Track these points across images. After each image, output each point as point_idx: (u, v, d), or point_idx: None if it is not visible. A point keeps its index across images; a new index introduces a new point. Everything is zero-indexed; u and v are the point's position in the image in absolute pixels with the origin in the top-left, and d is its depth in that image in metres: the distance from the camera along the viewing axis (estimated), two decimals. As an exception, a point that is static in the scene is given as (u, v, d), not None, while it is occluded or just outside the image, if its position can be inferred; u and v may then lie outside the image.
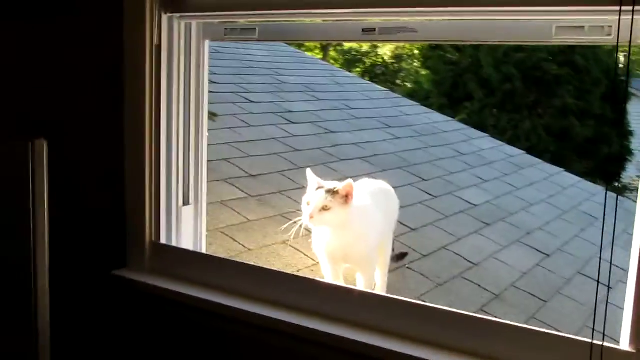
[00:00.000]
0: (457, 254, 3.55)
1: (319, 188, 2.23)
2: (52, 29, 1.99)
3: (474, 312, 3.00)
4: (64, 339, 2.00)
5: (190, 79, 1.87)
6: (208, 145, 3.86)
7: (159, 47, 1.78)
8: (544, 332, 1.40)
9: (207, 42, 1.87)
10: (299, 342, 1.59)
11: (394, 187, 4.16)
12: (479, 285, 3.27)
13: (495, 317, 3.00)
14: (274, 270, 1.86)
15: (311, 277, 1.85)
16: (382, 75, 19.20)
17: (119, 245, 1.92)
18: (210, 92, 4.94)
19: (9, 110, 2.14)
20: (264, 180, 3.65)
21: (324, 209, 2.12)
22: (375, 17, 1.53)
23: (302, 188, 3.70)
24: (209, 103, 4.63)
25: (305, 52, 8.11)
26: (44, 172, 1.43)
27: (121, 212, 1.89)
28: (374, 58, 20.23)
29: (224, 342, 1.77)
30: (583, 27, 1.32)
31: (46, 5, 1.94)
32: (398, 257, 3.03)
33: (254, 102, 5.06)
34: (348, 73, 7.76)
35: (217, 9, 1.75)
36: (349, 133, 5.11)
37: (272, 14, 1.66)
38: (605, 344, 1.26)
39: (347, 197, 2.16)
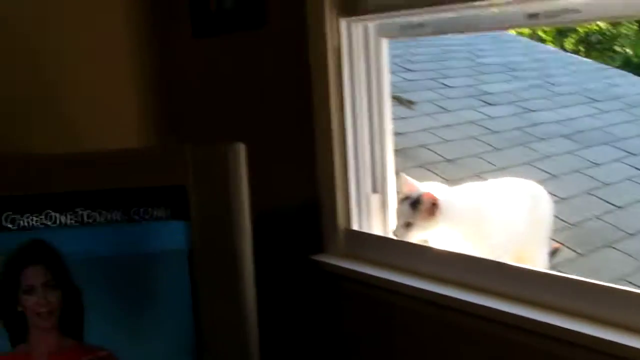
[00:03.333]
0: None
1: (405, 198, 2.00)
2: (244, 42, 2.21)
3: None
4: (267, 317, 2.24)
5: (371, 75, 1.99)
6: (406, 133, 4.00)
7: (339, 49, 1.93)
8: None
9: (384, 40, 1.99)
10: (491, 324, 1.64)
11: (597, 164, 4.05)
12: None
13: None
14: (458, 253, 1.91)
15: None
16: (599, 43, 18.13)
17: (315, 233, 2.10)
18: (407, 80, 5.10)
19: (211, 117, 2.41)
20: (461, 164, 3.71)
21: (407, 225, 1.97)
22: (539, 2, 1.55)
23: (500, 170, 3.73)
24: (407, 91, 4.78)
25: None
26: (243, 173, 1.62)
27: (316, 203, 2.07)
28: (588, 26, 19.16)
29: (411, 320, 1.88)
30: None
31: (239, 21, 2.17)
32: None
33: (450, 86, 5.10)
34: (549, 47, 7.50)
35: (391, 8, 1.86)
36: (550, 111, 4.99)
37: (442, 9, 1.74)
38: None
39: (432, 209, 1.96)
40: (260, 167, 2.26)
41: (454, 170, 3.60)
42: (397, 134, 3.83)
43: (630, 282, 2.85)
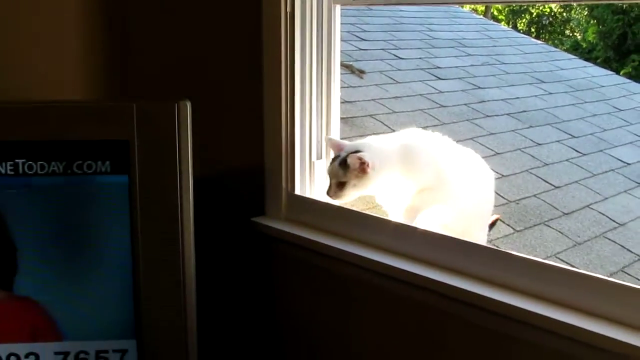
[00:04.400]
0: (601, 214, 3.49)
1: (335, 158, 1.94)
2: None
3: (614, 272, 2.99)
4: (207, 276, 2.25)
5: (322, 42, 1.99)
6: (355, 102, 4.02)
7: (292, 14, 1.92)
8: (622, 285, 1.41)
9: (337, 7, 1.98)
10: (419, 290, 1.68)
11: (539, 144, 4.14)
12: (623, 246, 3.22)
13: (637, 278, 2.96)
14: (387, 220, 1.93)
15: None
16: (550, 26, 18.39)
17: (258, 195, 2.10)
18: (359, 49, 5.11)
19: (156, 72, 2.38)
20: (406, 136, 3.74)
21: (340, 185, 1.91)
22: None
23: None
24: (358, 60, 4.78)
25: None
26: (188, 131, 1.61)
27: (260, 166, 2.07)
28: (540, 8, 19.40)
29: (347, 287, 1.91)
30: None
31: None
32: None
33: (402, 58, 5.13)
34: (502, 26, 7.59)
35: (346, -25, 1.87)
36: (498, 89, 5.07)
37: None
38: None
39: (362, 168, 1.88)
40: (208, 125, 2.24)
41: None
42: (346, 102, 3.85)
43: (561, 259, 2.94)
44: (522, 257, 1.59)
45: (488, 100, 4.71)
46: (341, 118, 3.40)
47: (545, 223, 3.23)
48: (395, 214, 2.02)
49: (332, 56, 2.02)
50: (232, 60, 2.14)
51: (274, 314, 2.14)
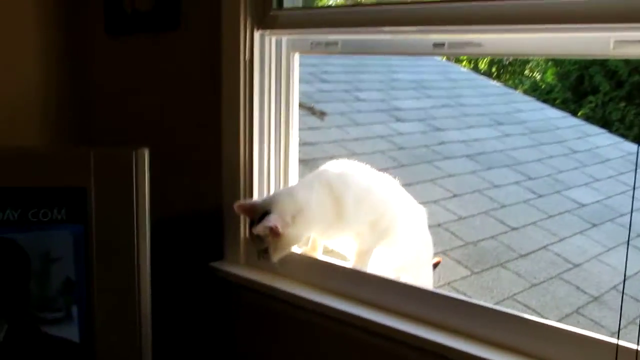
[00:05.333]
0: (557, 254, 3.56)
1: (251, 221, 1.86)
2: (156, 44, 2.21)
3: (569, 313, 3.04)
4: (165, 322, 2.23)
5: (281, 88, 2.02)
6: (316, 143, 4.05)
7: (251, 61, 1.95)
8: (571, 331, 1.44)
9: (296, 55, 2.02)
10: (375, 336, 1.70)
11: (497, 186, 4.21)
12: (578, 287, 3.28)
13: (592, 319, 3.02)
14: (340, 266, 1.94)
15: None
16: (510, 66, 18.77)
17: (217, 240, 2.11)
18: (321, 91, 5.15)
19: (121, 119, 2.39)
20: (366, 178, 3.77)
21: (265, 251, 1.83)
22: (443, 34, 1.62)
23: (405, 186, 3.82)
24: (320, 102, 4.83)
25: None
26: (146, 178, 1.62)
27: (220, 210, 2.08)
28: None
29: (304, 331, 1.92)
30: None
31: (150, 22, 2.16)
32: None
33: (364, 100, 5.20)
34: (462, 69, 7.74)
35: (304, 25, 1.90)
36: (457, 130, 5.16)
37: (353, 31, 1.79)
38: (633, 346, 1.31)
39: (274, 234, 1.78)
40: (167, 171, 2.26)
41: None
42: (306, 144, 3.89)
43: (518, 301, 2.99)
44: (474, 303, 1.62)
45: (447, 142, 4.79)
46: (301, 160, 3.38)
47: (502, 265, 3.28)
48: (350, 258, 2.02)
49: (290, 101, 2.05)
50: (192, 106, 2.17)
51: (236, 356, 2.14)
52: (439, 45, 1.66)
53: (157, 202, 2.16)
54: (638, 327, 1.34)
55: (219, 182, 2.06)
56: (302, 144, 3.95)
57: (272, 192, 2.04)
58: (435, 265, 2.41)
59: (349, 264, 1.95)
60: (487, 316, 1.58)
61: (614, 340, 1.36)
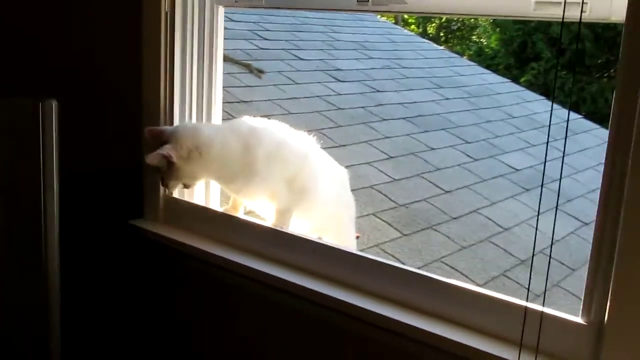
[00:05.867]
0: (488, 218, 3.59)
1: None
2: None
3: (495, 276, 3.08)
4: (81, 277, 2.19)
5: (204, 41, 1.95)
6: (251, 102, 3.99)
7: (173, 13, 1.88)
8: (485, 295, 1.45)
9: (220, 8, 1.95)
10: (292, 298, 1.68)
11: (433, 148, 4.22)
12: (506, 250, 3.31)
13: (518, 282, 3.06)
14: (258, 224, 1.91)
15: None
16: (458, 31, 18.81)
17: (137, 198, 2.06)
18: (260, 48, 5.07)
19: (28, 70, 2.29)
20: (301, 138, 3.73)
21: (163, 179, 1.83)
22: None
23: (340, 147, 3.80)
24: (258, 60, 4.75)
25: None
26: (53, 131, 1.55)
27: (139, 168, 2.02)
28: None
29: (220, 289, 1.89)
30: (560, 2, 1.34)
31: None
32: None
33: (303, 59, 5.13)
34: (406, 31, 7.70)
35: (228, -23, 1.84)
36: (396, 92, 5.13)
37: (277, -16, 1.74)
38: (549, 311, 1.31)
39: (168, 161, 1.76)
40: (88, 128, 2.18)
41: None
42: (242, 102, 3.82)
43: (446, 264, 3.01)
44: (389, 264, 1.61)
45: (385, 104, 4.76)
46: (232, 117, 3.30)
47: (433, 227, 3.29)
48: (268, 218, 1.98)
49: (214, 55, 1.99)
50: (112, 60, 2.09)
51: (154, 315, 2.10)
52: (363, 1, 1.62)
53: (77, 157, 2.10)
54: (545, 288, 1.35)
55: (138, 138, 2.00)
56: (237, 102, 3.89)
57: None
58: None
59: (267, 224, 1.91)
60: (399, 277, 1.57)
61: (522, 303, 1.36)
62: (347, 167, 3.53)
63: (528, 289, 1.42)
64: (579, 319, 1.29)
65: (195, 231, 1.95)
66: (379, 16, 7.33)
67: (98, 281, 2.21)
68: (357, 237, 2.51)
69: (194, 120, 2.00)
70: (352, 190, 3.30)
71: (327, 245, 1.76)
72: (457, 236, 3.27)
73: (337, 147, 3.73)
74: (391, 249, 2.94)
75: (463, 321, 1.44)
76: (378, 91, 4.98)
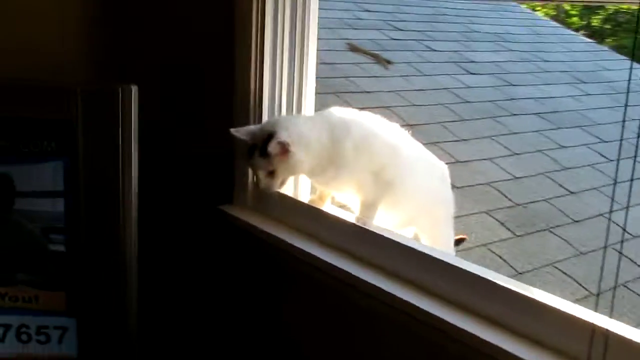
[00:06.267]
0: (615, 223, 3.35)
1: (252, 147, 1.81)
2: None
3: (612, 287, 2.87)
4: (172, 260, 2.26)
5: (296, 31, 1.94)
6: (373, 92, 3.96)
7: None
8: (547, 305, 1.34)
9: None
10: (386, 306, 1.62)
11: (563, 146, 4.00)
12: (631, 260, 3.09)
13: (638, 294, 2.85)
14: (342, 219, 1.87)
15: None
16: (626, 23, 17.78)
17: (228, 185, 2.09)
18: (392, 39, 5.02)
19: (112, 55, 2.38)
20: (420, 131, 3.65)
21: (271, 174, 1.79)
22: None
23: (460, 141, 3.69)
24: (388, 50, 4.70)
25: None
26: (132, 115, 1.59)
27: (231, 154, 2.06)
28: (618, 5, 18.71)
29: (297, 281, 1.89)
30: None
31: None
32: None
33: (436, 50, 5.02)
34: (553, 22, 7.32)
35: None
36: (532, 87, 4.91)
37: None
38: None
39: (283, 151, 1.74)
40: (181, 112, 2.25)
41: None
42: (364, 92, 3.80)
43: (559, 269, 2.85)
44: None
45: (518, 98, 4.57)
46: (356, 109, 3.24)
47: (551, 229, 3.12)
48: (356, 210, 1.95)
49: (305, 42, 1.97)
50: (205, 46, 2.13)
51: (240, 301, 2.14)
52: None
53: (171, 143, 2.17)
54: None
55: (230, 123, 2.03)
56: (359, 92, 3.87)
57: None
58: (458, 242, 2.30)
59: (352, 217, 1.88)
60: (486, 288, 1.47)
61: (590, 319, 1.25)
62: (465, 162, 3.45)
63: (597, 302, 1.30)
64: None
65: (280, 220, 1.95)
66: (523, 6, 7.03)
67: (185, 262, 2.29)
68: (463, 239, 2.43)
69: (283, 109, 1.99)
70: (467, 186, 3.22)
71: (414, 248, 1.66)
72: (576, 241, 3.09)
73: (457, 141, 3.64)
74: (499, 249, 2.83)
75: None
76: (512, 85, 4.79)
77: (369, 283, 1.62)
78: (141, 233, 2.20)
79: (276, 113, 2.00)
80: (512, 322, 1.39)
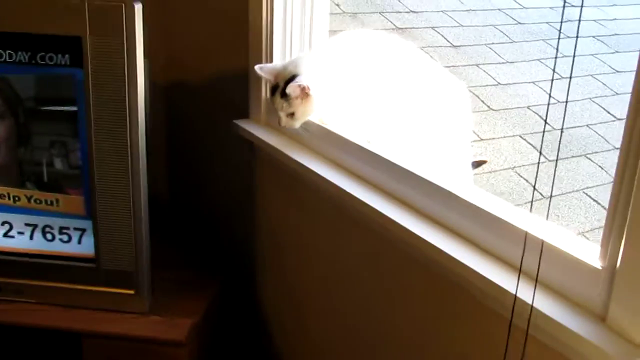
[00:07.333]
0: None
1: (275, 87, 1.86)
2: None
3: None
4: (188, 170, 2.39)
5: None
6: (420, 12, 3.90)
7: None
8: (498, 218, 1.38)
9: None
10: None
11: (618, 71, 3.88)
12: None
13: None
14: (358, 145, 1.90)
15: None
16: None
17: (245, 100, 2.18)
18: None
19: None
20: (464, 52, 3.62)
21: (291, 115, 1.84)
22: None
23: (505, 63, 3.63)
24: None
25: None
26: (136, 31, 1.67)
27: (246, 72, 2.14)
28: None
29: (306, 198, 1.97)
30: None
31: None
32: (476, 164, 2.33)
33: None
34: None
35: None
36: (596, 9, 4.71)
37: None
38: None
39: (303, 94, 1.79)
40: (204, 33, 2.33)
41: (453, 57, 3.53)
42: (410, 12, 3.77)
43: (588, 195, 2.83)
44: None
45: (576, 20, 4.40)
46: (398, 28, 3.23)
47: (587, 155, 3.08)
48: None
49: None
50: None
51: (251, 210, 2.26)
52: None
53: (192, 62, 2.26)
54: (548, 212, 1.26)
55: (246, 49, 2.10)
56: (406, 11, 3.84)
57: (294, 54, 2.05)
58: (478, 164, 2.31)
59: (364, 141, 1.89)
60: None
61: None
62: (506, 84, 3.41)
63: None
64: (597, 263, 1.20)
65: (290, 136, 2.02)
66: None
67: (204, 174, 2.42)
68: (483, 162, 2.44)
69: (295, 26, 2.03)
70: (505, 109, 3.20)
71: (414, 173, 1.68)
72: (612, 168, 3.03)
73: (502, 63, 3.59)
74: (527, 173, 2.83)
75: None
76: (571, 6, 4.60)
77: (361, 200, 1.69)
78: (168, 145, 2.35)
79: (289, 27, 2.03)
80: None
